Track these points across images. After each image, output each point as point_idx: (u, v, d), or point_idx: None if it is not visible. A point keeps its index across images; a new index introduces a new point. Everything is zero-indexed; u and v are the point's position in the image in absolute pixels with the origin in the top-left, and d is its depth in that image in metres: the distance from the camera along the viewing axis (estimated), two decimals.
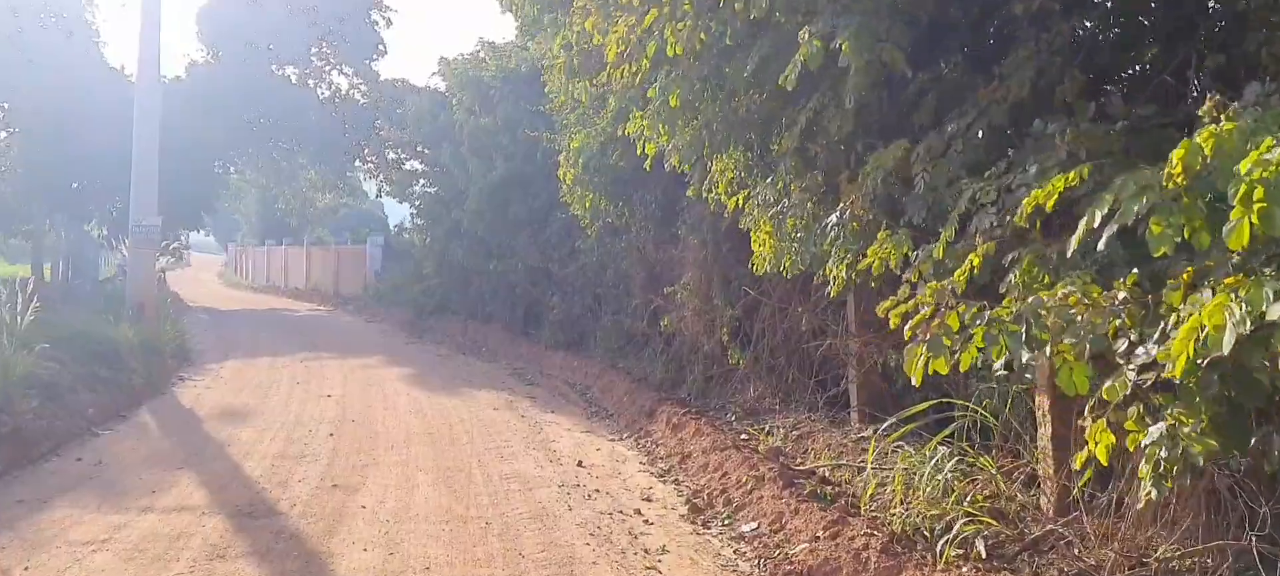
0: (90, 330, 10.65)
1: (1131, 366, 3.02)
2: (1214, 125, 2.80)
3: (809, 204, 4.62)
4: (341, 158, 34.29)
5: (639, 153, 6.85)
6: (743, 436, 7.34)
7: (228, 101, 29.43)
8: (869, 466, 4.66)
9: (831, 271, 4.47)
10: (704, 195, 6.32)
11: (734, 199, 5.63)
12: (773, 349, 8.36)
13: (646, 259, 10.90)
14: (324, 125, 32.48)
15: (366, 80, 33.74)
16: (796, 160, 4.96)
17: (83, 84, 22.91)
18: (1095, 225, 3.06)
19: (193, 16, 31.27)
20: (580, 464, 7.31)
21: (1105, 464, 3.24)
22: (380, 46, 33.69)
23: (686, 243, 9.39)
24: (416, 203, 21.40)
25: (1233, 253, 2.78)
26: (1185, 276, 2.99)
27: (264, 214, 48.42)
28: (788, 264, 4.85)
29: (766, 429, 7.50)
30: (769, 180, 5.21)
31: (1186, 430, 2.88)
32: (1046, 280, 3.56)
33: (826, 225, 4.38)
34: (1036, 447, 4.48)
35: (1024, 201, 3.50)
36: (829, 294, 5.27)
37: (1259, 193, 2.55)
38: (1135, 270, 3.22)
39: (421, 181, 21.65)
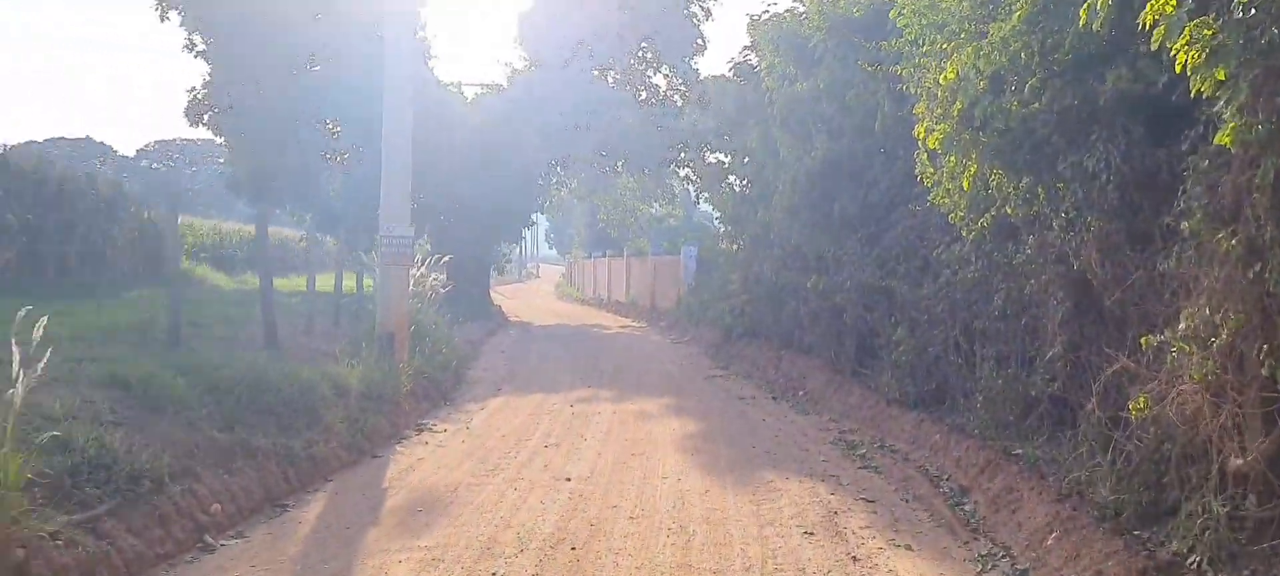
0: (270, 368, 8.27)
1: None
2: None
3: None
4: (660, 164, 32.39)
5: None
6: None
7: (549, 108, 28.47)
8: None
9: None
10: None
11: None
12: None
13: (1078, 276, 6.12)
14: (642, 129, 30.69)
15: (685, 79, 31.48)
16: None
17: (416, 101, 22.60)
18: None
19: (514, 22, 31.00)
20: None
21: None
22: (698, 42, 31.27)
23: (1199, 247, 4.58)
24: (723, 205, 17.82)
25: None
26: None
27: (592, 224, 48.68)
28: None
29: None
30: None
31: None
32: None
33: None
34: None
35: None
36: None
37: None
38: None
39: (729, 177, 18.05)
